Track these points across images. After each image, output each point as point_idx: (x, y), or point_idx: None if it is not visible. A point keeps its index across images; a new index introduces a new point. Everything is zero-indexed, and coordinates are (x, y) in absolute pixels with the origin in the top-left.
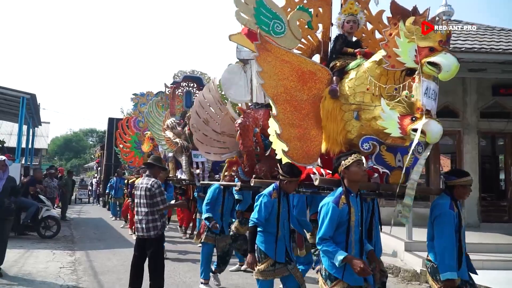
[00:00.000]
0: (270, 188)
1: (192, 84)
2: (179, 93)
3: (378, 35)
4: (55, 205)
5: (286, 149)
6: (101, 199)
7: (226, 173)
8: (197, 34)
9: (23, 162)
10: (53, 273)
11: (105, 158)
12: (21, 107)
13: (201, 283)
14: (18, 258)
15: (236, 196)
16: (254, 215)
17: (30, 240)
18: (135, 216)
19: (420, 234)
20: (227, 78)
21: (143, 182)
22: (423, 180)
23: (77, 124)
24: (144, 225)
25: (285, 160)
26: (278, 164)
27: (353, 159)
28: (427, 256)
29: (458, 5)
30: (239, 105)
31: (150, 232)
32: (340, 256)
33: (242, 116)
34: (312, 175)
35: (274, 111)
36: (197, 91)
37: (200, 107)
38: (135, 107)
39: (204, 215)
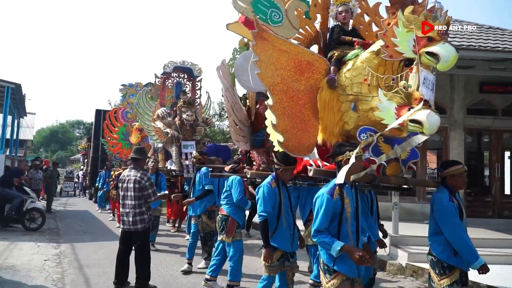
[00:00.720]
0: (268, 179)
1: (182, 75)
2: (169, 83)
3: (375, 28)
4: (40, 197)
5: (282, 140)
6: (87, 191)
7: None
8: (188, 25)
9: (7, 153)
10: (37, 265)
11: (92, 150)
12: (5, 97)
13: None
14: (2, 250)
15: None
16: (260, 209)
17: (14, 232)
18: (121, 209)
19: (406, 229)
20: (242, 64)
21: (131, 174)
22: (410, 175)
23: (64, 116)
24: (131, 218)
25: (277, 149)
26: (272, 153)
27: (358, 153)
28: (429, 250)
29: (448, 2)
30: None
31: (137, 225)
32: (337, 247)
33: None
34: (308, 167)
35: (270, 101)
36: (187, 82)
37: (225, 90)
38: (124, 98)
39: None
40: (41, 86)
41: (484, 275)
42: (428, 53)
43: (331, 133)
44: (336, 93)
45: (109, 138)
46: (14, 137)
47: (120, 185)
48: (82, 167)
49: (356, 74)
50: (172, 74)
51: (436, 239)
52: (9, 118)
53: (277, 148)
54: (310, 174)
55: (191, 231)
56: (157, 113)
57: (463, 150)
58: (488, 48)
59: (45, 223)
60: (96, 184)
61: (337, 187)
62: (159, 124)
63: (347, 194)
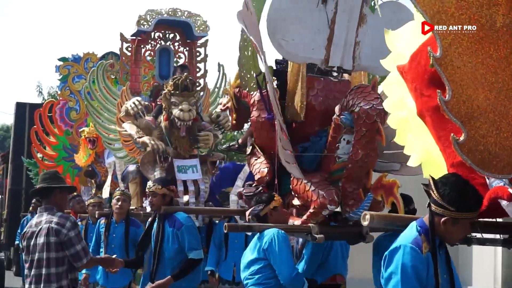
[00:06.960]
0: (411, 233)
1: (172, 35)
2: (148, 51)
3: None
4: None
5: (461, 138)
6: (2, 254)
7: None
8: None
9: None
10: None
11: (10, 178)
12: None
13: None
14: None
15: None
16: None
17: None
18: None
19: None
20: (284, 10)
21: (42, 221)
22: None
23: None
24: None
25: (427, 169)
26: (430, 179)
27: None
28: None
29: None
30: None
31: None
32: None
33: None
34: (504, 203)
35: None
36: (181, 48)
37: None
38: (64, 83)
39: None
40: None
41: None
42: None
43: None
44: None
45: (40, 157)
46: None
47: (23, 243)
48: None
49: None
50: (153, 34)
51: None
52: None
53: (418, 162)
54: None
55: None
56: (126, 108)
57: None
58: None
59: None
60: (17, 242)
61: None
62: (129, 127)
63: None
